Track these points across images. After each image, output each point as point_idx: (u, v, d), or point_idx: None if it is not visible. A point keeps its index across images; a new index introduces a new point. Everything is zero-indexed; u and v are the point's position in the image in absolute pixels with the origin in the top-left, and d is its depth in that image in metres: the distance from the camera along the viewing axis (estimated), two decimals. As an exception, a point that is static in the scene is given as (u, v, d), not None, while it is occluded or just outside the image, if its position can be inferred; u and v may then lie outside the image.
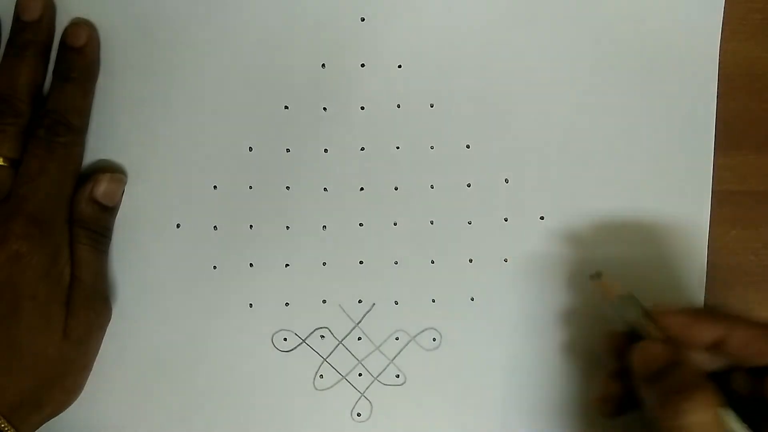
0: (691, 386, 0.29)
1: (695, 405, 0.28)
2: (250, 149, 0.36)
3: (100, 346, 0.36)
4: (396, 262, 0.37)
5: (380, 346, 0.37)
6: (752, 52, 0.36)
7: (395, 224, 0.37)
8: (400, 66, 0.36)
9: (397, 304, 0.37)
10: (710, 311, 0.32)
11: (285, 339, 0.37)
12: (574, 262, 0.35)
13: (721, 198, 0.37)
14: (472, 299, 0.37)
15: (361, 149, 0.36)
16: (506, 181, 0.36)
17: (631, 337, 0.32)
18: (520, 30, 0.36)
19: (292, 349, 0.37)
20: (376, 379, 0.37)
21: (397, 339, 0.37)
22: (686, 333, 0.31)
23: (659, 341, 0.31)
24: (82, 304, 0.34)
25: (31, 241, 0.32)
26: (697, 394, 0.28)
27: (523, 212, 0.36)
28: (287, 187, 0.36)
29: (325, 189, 0.36)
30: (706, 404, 0.28)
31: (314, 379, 0.37)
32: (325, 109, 0.36)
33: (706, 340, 0.30)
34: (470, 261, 0.37)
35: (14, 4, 0.34)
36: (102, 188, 0.34)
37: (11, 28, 0.34)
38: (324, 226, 0.37)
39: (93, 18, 0.35)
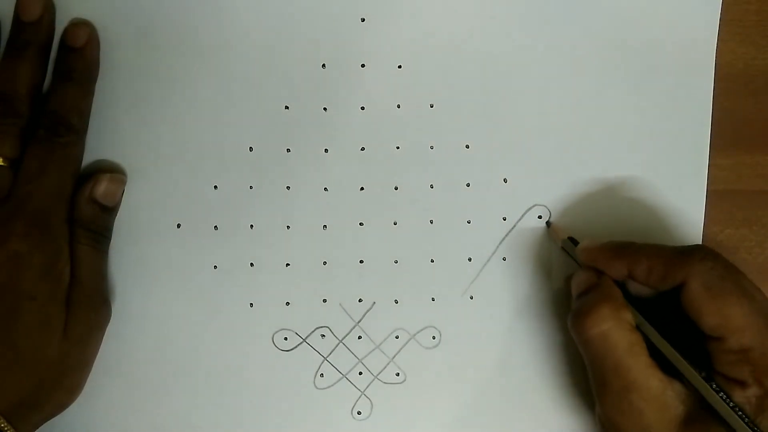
0: (597, 304, 0.31)
1: (597, 320, 0.31)
2: (251, 149, 0.36)
3: (99, 346, 0.36)
4: (396, 261, 0.37)
5: (380, 344, 0.37)
6: (748, 52, 0.37)
7: (395, 224, 0.37)
8: (400, 66, 0.36)
9: (397, 303, 0.37)
10: (623, 245, 0.33)
11: (285, 338, 0.37)
12: (572, 260, 0.35)
13: (715, 197, 0.37)
14: (472, 298, 0.37)
15: (361, 149, 0.36)
16: (505, 180, 0.37)
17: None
18: (518, 31, 0.36)
19: (293, 349, 0.37)
20: (376, 377, 0.37)
21: (397, 337, 0.37)
22: (605, 266, 0.33)
23: (586, 270, 0.34)
24: (82, 304, 0.34)
25: (31, 241, 0.32)
26: (600, 310, 0.31)
27: (522, 211, 0.37)
28: (287, 187, 0.36)
29: (325, 189, 0.36)
30: (608, 318, 0.31)
31: (315, 378, 0.37)
32: (325, 109, 0.36)
33: (621, 271, 0.32)
34: (469, 260, 0.37)
35: (14, 4, 0.34)
36: (102, 188, 0.34)
37: (11, 28, 0.34)
38: (324, 226, 0.37)
39: (93, 18, 0.35)
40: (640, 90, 0.36)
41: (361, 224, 0.37)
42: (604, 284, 0.33)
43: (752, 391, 0.29)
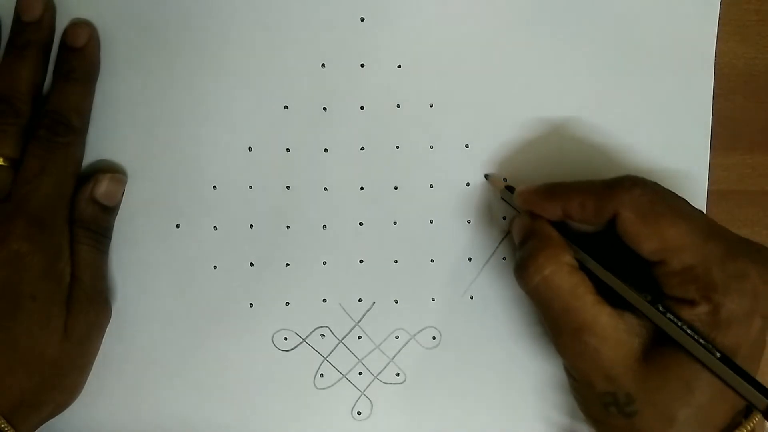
0: (534, 252, 0.31)
1: (537, 267, 0.31)
2: (250, 149, 0.36)
3: (99, 346, 0.36)
4: (396, 261, 0.37)
5: (380, 344, 0.37)
6: (748, 52, 0.37)
7: (395, 223, 0.37)
8: (399, 66, 0.36)
9: (397, 302, 0.37)
10: (555, 185, 0.33)
11: (285, 338, 0.37)
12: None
13: (716, 197, 0.37)
14: (472, 298, 0.37)
15: (361, 149, 0.36)
16: (504, 180, 0.37)
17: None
18: (518, 30, 0.36)
19: (293, 349, 0.37)
20: (376, 377, 0.37)
21: (397, 338, 0.37)
22: (540, 209, 0.33)
23: (523, 215, 0.33)
24: (82, 304, 0.34)
25: (31, 241, 0.32)
26: (538, 258, 0.31)
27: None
28: (287, 187, 0.36)
29: (325, 189, 0.36)
30: (547, 264, 0.31)
31: (314, 378, 0.37)
32: (324, 109, 0.36)
33: (556, 211, 0.32)
34: (469, 259, 0.37)
35: (14, 4, 0.34)
36: (102, 188, 0.34)
37: (11, 28, 0.34)
38: (324, 226, 0.37)
39: (93, 18, 0.35)
40: (640, 90, 0.36)
41: (360, 224, 0.37)
42: (540, 229, 0.32)
43: (701, 309, 0.29)
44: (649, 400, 0.30)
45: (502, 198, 0.35)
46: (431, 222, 0.37)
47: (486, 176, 0.36)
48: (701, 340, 0.28)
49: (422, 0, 0.35)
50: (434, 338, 0.37)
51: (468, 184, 0.37)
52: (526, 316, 0.37)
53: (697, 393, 0.29)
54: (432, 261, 0.37)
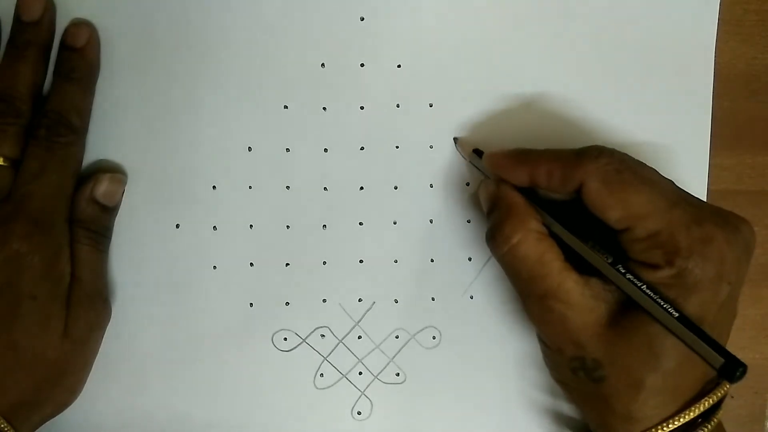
0: (502, 220, 0.31)
1: (505, 237, 0.31)
2: (250, 149, 0.36)
3: (99, 346, 0.36)
4: (395, 261, 0.37)
5: (380, 344, 0.37)
6: (748, 52, 0.37)
7: (395, 223, 0.37)
8: (399, 66, 0.36)
9: (397, 302, 0.37)
10: (525, 151, 0.33)
11: (285, 338, 0.37)
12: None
13: (717, 197, 0.37)
14: (472, 298, 0.37)
15: (361, 149, 0.36)
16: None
17: None
18: (518, 30, 0.36)
19: (293, 349, 0.37)
20: (376, 377, 0.37)
21: (397, 337, 0.37)
22: (508, 174, 0.33)
23: (491, 181, 0.33)
24: (82, 303, 0.34)
25: (31, 241, 0.32)
26: (505, 227, 0.31)
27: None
28: (287, 187, 0.36)
29: (324, 189, 0.36)
30: (514, 232, 0.31)
31: (314, 378, 0.37)
32: (324, 108, 0.36)
33: (524, 178, 0.32)
34: (469, 259, 0.37)
35: (14, 4, 0.34)
36: (102, 188, 0.34)
37: (11, 28, 0.34)
38: (324, 226, 0.37)
39: (93, 18, 0.35)
40: (640, 90, 0.36)
41: (360, 224, 0.37)
42: (506, 196, 0.32)
43: (665, 272, 0.29)
44: (617, 365, 0.30)
45: (470, 162, 0.35)
46: (431, 222, 0.37)
47: (455, 139, 0.36)
48: (659, 300, 0.28)
49: (422, 0, 0.35)
50: (434, 338, 0.37)
51: (468, 184, 0.36)
52: (526, 316, 0.37)
53: (663, 359, 0.29)
54: (432, 261, 0.37)
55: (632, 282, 0.29)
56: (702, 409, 0.30)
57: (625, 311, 0.30)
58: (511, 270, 0.32)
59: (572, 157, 0.31)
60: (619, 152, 0.31)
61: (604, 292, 0.30)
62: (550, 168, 0.31)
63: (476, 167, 0.35)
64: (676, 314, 0.28)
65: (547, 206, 0.32)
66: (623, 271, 0.29)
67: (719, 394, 0.30)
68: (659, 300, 0.28)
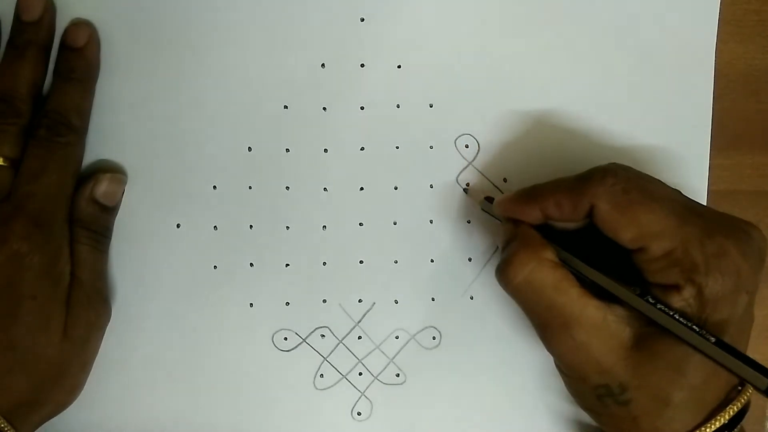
0: (515, 252, 0.31)
1: (518, 266, 0.31)
2: (250, 149, 0.36)
3: (99, 346, 0.36)
4: (396, 261, 0.37)
5: (380, 345, 0.37)
6: (748, 52, 0.37)
7: (395, 224, 0.37)
8: (399, 66, 0.36)
9: (397, 303, 0.37)
10: (530, 189, 0.33)
11: (285, 338, 0.37)
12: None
13: (717, 197, 0.37)
14: (472, 298, 0.37)
15: (361, 149, 0.36)
16: (504, 180, 0.37)
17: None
18: (518, 31, 0.36)
19: (293, 349, 0.37)
20: (376, 378, 0.37)
21: (397, 338, 0.37)
22: (521, 214, 0.32)
23: (506, 223, 0.33)
24: (82, 303, 0.34)
25: (31, 241, 0.32)
26: (519, 256, 0.31)
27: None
28: (287, 187, 0.36)
29: (325, 189, 0.36)
30: (528, 261, 0.30)
31: (314, 378, 0.37)
32: (324, 109, 0.36)
33: (536, 215, 0.32)
34: (469, 260, 0.37)
35: (14, 4, 0.34)
36: (102, 188, 0.34)
37: (11, 28, 0.34)
38: (324, 226, 0.37)
39: (93, 18, 0.35)
40: (640, 90, 0.36)
41: (360, 224, 0.37)
42: (520, 231, 0.32)
43: (688, 292, 0.29)
44: (643, 387, 0.30)
45: (482, 209, 0.35)
46: (431, 222, 0.37)
47: (465, 190, 0.36)
48: (695, 327, 0.28)
49: (422, 0, 0.35)
50: (434, 338, 0.37)
51: (468, 184, 0.36)
52: (526, 317, 0.37)
53: (689, 375, 0.29)
54: (432, 261, 0.37)
55: (664, 311, 0.29)
56: (727, 417, 0.30)
57: (647, 330, 0.30)
58: (527, 300, 0.31)
59: (578, 183, 0.31)
60: (623, 169, 0.30)
61: (626, 316, 0.30)
62: (557, 199, 0.31)
63: (490, 214, 0.35)
64: (713, 339, 0.28)
65: (563, 240, 0.32)
66: (653, 302, 0.29)
67: (743, 401, 0.30)
68: (694, 327, 0.28)
